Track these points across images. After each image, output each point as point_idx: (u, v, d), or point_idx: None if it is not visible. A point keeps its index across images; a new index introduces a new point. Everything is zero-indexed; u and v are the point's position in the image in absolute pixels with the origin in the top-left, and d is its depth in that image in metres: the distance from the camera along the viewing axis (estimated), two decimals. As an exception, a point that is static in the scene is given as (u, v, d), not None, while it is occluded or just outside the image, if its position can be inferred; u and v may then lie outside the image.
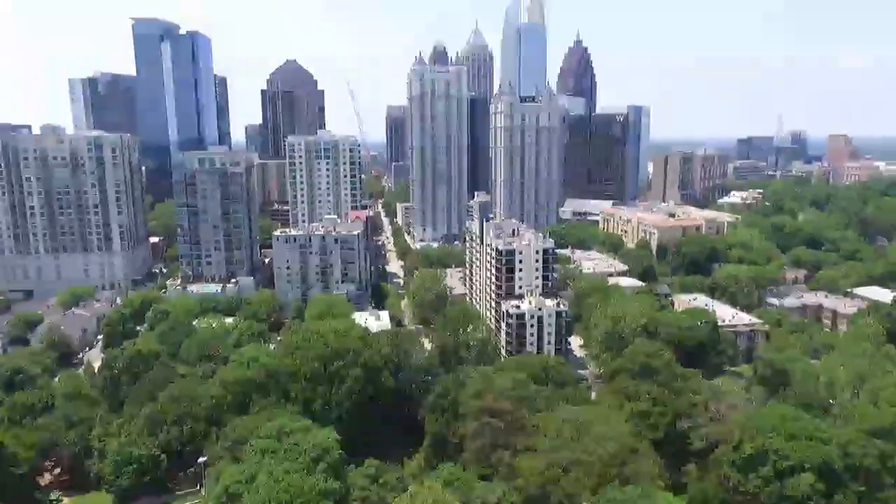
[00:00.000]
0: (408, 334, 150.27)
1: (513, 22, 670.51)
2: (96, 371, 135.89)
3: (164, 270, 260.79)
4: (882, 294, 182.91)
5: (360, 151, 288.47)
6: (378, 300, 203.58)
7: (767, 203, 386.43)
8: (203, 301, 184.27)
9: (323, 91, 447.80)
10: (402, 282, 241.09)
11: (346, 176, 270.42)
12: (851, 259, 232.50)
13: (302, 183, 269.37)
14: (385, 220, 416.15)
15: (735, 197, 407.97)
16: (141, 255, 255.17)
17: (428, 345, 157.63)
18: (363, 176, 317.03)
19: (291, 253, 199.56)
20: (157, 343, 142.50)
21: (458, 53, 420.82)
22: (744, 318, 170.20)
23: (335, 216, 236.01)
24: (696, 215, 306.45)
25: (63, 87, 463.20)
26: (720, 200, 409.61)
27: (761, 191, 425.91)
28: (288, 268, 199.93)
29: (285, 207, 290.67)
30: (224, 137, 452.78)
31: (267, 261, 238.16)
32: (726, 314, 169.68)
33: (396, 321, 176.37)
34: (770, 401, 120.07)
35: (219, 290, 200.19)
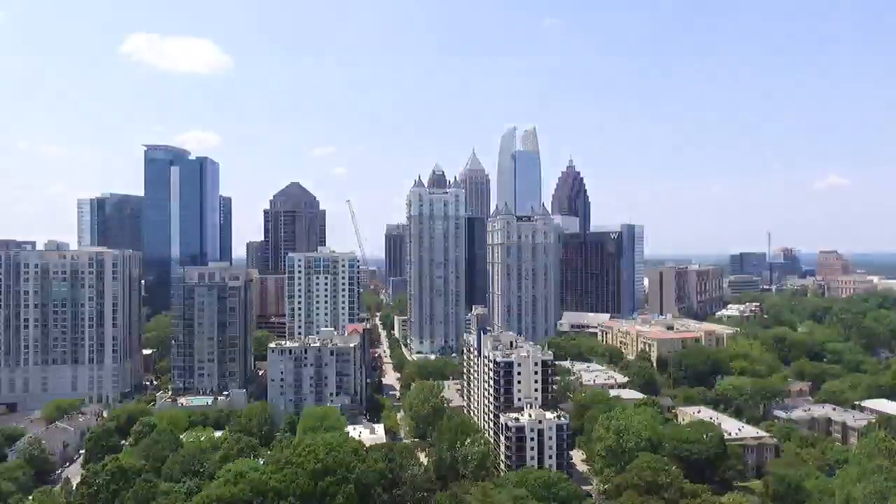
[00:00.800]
0: (403, 448, 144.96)
1: (508, 148, 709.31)
2: (74, 488, 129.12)
3: (155, 382, 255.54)
4: (891, 407, 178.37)
5: (358, 267, 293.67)
6: (373, 413, 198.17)
7: (766, 315, 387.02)
8: (192, 414, 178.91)
9: (324, 211, 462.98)
10: (398, 394, 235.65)
11: (344, 290, 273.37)
12: (855, 371, 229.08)
13: (300, 296, 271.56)
14: (382, 333, 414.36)
15: (732, 310, 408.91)
16: (132, 368, 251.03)
17: (424, 459, 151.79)
18: (361, 290, 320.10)
19: (286, 365, 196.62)
20: (140, 458, 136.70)
21: (455, 177, 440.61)
22: (751, 432, 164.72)
23: (332, 329, 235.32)
24: (695, 327, 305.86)
25: (70, 206, 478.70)
26: (718, 313, 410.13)
27: (758, 303, 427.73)
28: (282, 380, 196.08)
29: (282, 320, 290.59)
30: (226, 253, 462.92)
31: (261, 373, 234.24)
32: (732, 427, 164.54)
33: (392, 434, 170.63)
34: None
35: (209, 403, 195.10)
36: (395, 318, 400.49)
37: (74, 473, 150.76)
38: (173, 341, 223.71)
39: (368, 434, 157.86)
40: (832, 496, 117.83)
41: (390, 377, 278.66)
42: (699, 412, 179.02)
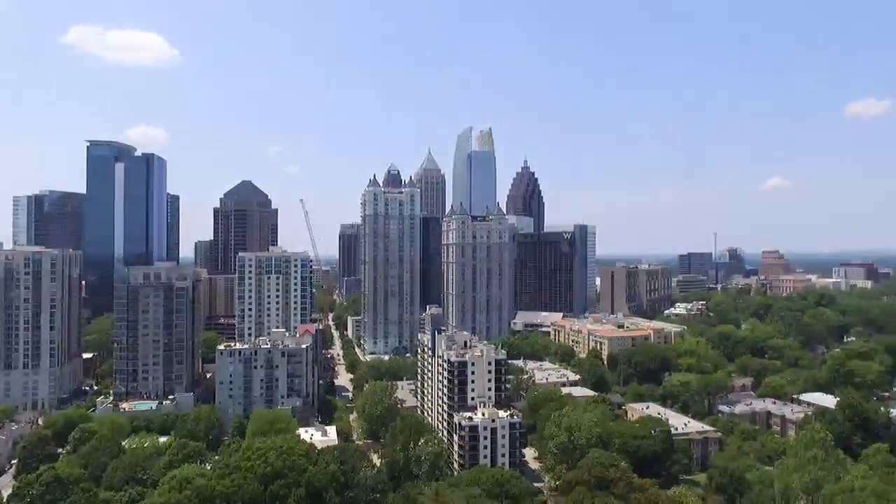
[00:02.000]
0: (356, 450, 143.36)
1: (463, 148, 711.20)
2: (6, 500, 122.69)
3: (96, 387, 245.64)
4: (826, 400, 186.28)
5: (311, 267, 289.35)
6: (325, 415, 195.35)
7: (712, 314, 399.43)
8: (136, 419, 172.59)
9: (276, 210, 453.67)
10: (351, 395, 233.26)
11: (296, 290, 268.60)
12: (794, 366, 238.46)
13: (251, 297, 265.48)
14: (335, 334, 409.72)
15: (680, 308, 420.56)
16: (70, 372, 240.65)
17: (377, 460, 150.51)
18: (314, 290, 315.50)
19: (235, 367, 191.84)
20: (78, 466, 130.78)
21: (411, 177, 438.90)
22: (697, 426, 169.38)
23: (283, 330, 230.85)
24: (645, 326, 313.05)
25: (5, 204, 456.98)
26: (666, 312, 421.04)
27: (705, 302, 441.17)
28: (231, 382, 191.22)
29: (232, 321, 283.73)
30: (173, 253, 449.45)
31: (209, 376, 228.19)
32: (679, 422, 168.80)
33: (344, 436, 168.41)
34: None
35: (154, 407, 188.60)
36: (349, 318, 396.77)
37: (5, 485, 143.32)
38: (116, 344, 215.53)
39: (320, 436, 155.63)
40: (772, 486, 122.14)
41: (343, 378, 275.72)
42: (648, 408, 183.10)
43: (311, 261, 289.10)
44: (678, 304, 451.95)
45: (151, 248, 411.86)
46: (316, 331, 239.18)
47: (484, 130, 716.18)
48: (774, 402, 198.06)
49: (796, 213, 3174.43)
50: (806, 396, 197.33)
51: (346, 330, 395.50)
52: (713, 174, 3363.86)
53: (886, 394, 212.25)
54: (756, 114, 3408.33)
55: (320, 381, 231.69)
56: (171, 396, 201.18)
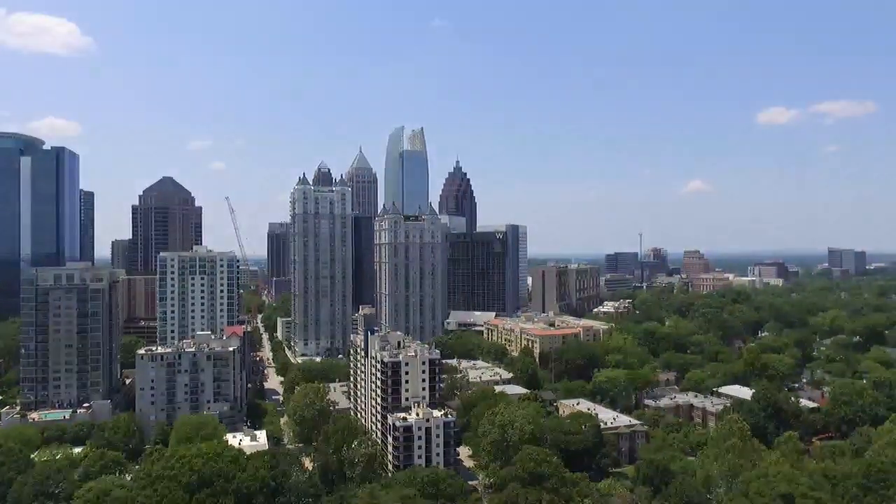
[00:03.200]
0: (287, 454, 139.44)
1: (395, 148, 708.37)
2: None
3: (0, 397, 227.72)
4: (743, 392, 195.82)
5: (238, 267, 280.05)
6: (255, 419, 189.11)
7: (638, 311, 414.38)
8: (46, 430, 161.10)
9: (201, 208, 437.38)
10: (281, 398, 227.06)
11: (222, 291, 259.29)
12: (714, 360, 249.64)
13: (173, 299, 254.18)
14: (265, 336, 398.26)
15: (608, 306, 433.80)
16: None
17: (309, 464, 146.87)
18: (241, 291, 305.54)
19: (157, 372, 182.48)
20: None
21: (342, 175, 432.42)
22: (624, 420, 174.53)
23: (209, 332, 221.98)
24: (575, 324, 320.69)
25: None
26: (595, 310, 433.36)
27: (631, 300, 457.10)
28: (152, 388, 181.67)
29: (153, 324, 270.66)
30: (87, 252, 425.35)
31: (129, 382, 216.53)
32: (608, 417, 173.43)
33: (275, 441, 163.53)
34: (654, 499, 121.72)
35: (67, 417, 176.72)
36: (279, 319, 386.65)
37: None
38: (23, 350, 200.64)
39: (249, 441, 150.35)
40: (694, 475, 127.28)
41: (273, 381, 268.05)
42: (578, 404, 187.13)
43: (237, 261, 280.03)
44: (606, 302, 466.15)
45: (63, 247, 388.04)
46: (244, 333, 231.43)
47: (416, 130, 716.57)
48: (696, 395, 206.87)
49: (715, 215, 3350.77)
50: (725, 389, 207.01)
51: (276, 332, 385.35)
52: (639, 177, 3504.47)
53: (796, 384, 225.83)
54: (678, 119, 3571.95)
55: (249, 385, 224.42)
56: (86, 404, 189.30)
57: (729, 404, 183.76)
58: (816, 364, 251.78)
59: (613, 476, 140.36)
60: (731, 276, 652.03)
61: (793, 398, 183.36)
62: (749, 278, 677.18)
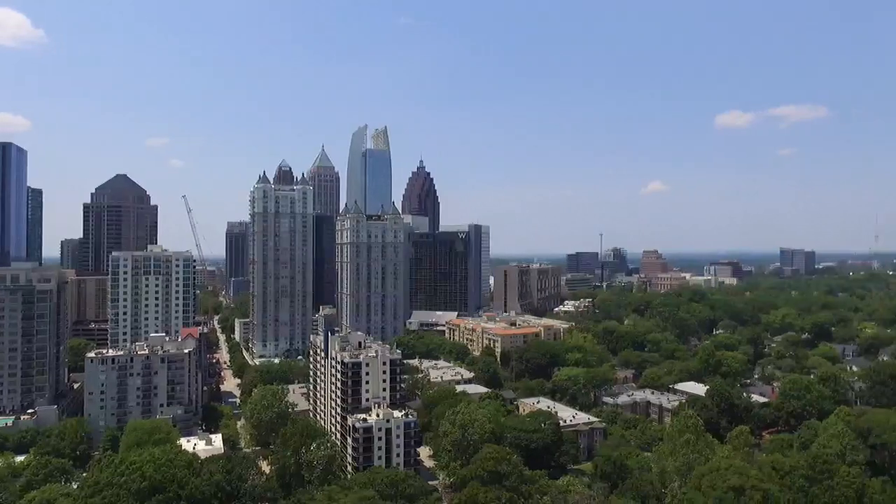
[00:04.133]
0: (243, 458, 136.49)
1: (358, 146, 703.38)
2: None
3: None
4: (698, 388, 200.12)
5: (195, 267, 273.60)
6: (211, 422, 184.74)
7: (597, 310, 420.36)
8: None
9: (156, 206, 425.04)
10: (238, 401, 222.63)
11: (178, 292, 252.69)
12: (671, 358, 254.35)
13: (125, 300, 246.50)
14: (222, 337, 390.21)
15: (569, 305, 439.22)
16: None
17: (267, 467, 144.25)
18: (198, 291, 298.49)
19: (108, 375, 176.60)
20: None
21: (304, 174, 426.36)
22: (583, 418, 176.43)
23: (163, 334, 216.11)
24: (535, 323, 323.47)
25: None
26: (556, 309, 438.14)
27: (591, 299, 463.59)
28: (102, 392, 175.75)
29: (104, 326, 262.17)
30: (35, 252, 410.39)
31: (77, 386, 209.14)
32: (567, 415, 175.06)
33: (231, 444, 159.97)
34: (612, 495, 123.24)
35: (10, 424, 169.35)
36: (237, 320, 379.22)
37: None
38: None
39: (204, 445, 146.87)
40: (650, 470, 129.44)
41: (230, 383, 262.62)
42: (538, 402, 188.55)
43: (194, 260, 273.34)
44: (567, 301, 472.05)
45: (8, 247, 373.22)
46: (200, 334, 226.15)
47: (379, 129, 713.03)
48: (653, 392, 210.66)
49: (674, 216, 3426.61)
50: (680, 386, 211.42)
51: (234, 333, 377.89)
52: (600, 178, 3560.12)
53: (748, 380, 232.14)
54: (639, 121, 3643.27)
55: (205, 388, 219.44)
56: (30, 410, 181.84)
57: (684, 400, 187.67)
58: (767, 360, 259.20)
59: (572, 473, 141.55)
60: (687, 276, 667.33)
61: (745, 394, 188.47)
62: (705, 278, 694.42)
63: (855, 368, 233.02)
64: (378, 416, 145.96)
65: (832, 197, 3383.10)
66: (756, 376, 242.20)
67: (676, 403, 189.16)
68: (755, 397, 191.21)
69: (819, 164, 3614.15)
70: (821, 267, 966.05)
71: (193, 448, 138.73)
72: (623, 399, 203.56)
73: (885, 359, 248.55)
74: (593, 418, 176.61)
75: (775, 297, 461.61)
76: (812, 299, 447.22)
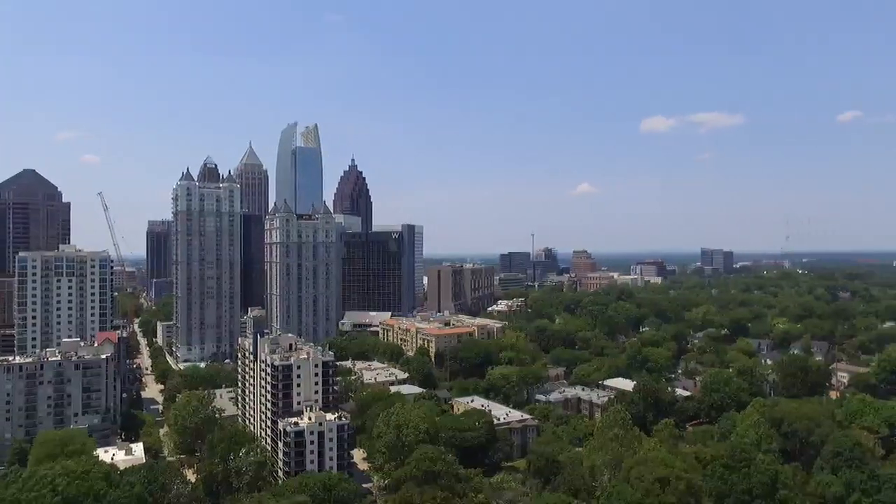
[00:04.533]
0: (166, 467, 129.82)
1: (288, 144, 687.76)
2: None
3: None
4: (626, 384, 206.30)
5: (112, 268, 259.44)
6: (131, 431, 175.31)
7: (530, 309, 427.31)
8: None
9: (69, 204, 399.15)
10: (161, 408, 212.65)
11: (93, 294, 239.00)
12: (600, 355, 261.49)
13: (34, 303, 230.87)
14: (143, 341, 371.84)
15: (502, 305, 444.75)
16: None
17: (192, 476, 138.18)
18: (116, 294, 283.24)
19: (15, 384, 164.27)
20: None
21: (230, 171, 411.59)
22: (517, 415, 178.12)
23: (77, 339, 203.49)
24: (469, 322, 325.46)
25: None
26: (489, 308, 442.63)
27: (524, 299, 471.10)
28: (8, 403, 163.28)
29: (10, 332, 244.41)
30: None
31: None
32: (501, 413, 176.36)
33: (154, 453, 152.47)
34: (544, 490, 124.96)
35: None
36: (159, 323, 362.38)
37: None
38: None
39: (124, 455, 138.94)
40: (581, 465, 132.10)
41: (152, 390, 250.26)
42: (473, 401, 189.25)
43: (111, 261, 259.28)
44: (500, 301, 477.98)
45: None
46: (119, 339, 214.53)
47: (309, 127, 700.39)
48: (584, 389, 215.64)
49: (602, 217, 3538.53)
50: (609, 382, 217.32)
51: (156, 337, 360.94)
52: (532, 179, 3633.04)
53: (673, 375, 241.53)
54: (568, 123, 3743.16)
55: (124, 395, 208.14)
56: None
57: (613, 396, 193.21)
58: (690, 356, 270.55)
59: (506, 470, 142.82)
60: (615, 275, 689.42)
61: (669, 388, 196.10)
62: (632, 277, 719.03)
63: (769, 362, 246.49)
64: (310, 419, 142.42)
65: (747, 200, 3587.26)
66: (680, 371, 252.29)
67: (606, 399, 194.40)
68: (679, 391, 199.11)
69: (735, 169, 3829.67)
70: (738, 266, 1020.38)
71: (112, 458, 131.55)
72: (555, 396, 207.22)
73: (795, 352, 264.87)
74: (526, 416, 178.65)
75: (697, 296, 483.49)
76: (730, 297, 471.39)
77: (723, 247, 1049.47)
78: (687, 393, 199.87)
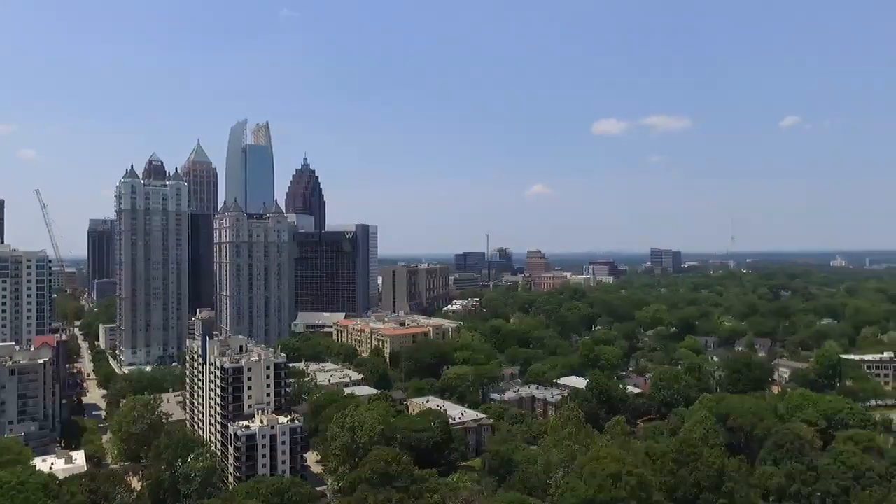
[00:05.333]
0: (109, 475, 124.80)
1: (238, 142, 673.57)
2: None
3: None
4: (579, 382, 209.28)
5: (50, 268, 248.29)
6: (71, 439, 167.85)
7: (485, 309, 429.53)
8: None
9: (2, 201, 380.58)
10: (104, 414, 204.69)
11: (30, 296, 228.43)
12: (554, 354, 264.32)
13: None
14: (84, 345, 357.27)
15: (457, 305, 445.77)
16: None
17: (137, 484, 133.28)
18: (54, 295, 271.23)
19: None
20: None
21: (177, 169, 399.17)
22: (472, 415, 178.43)
23: (12, 343, 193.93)
24: (424, 323, 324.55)
25: None
26: (444, 308, 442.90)
27: (479, 298, 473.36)
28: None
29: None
30: None
31: None
32: (456, 412, 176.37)
33: (96, 461, 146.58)
34: (499, 489, 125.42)
35: None
36: (102, 326, 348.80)
37: None
38: None
39: (63, 464, 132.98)
40: (536, 463, 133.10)
41: (95, 395, 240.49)
42: (428, 402, 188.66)
43: (50, 261, 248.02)
44: (455, 301, 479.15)
45: None
46: (58, 342, 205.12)
47: (260, 124, 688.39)
48: (538, 388, 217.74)
49: (556, 217, 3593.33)
50: (563, 380, 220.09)
51: (98, 340, 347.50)
52: (487, 179, 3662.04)
53: (624, 373, 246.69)
54: (523, 123, 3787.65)
55: (63, 401, 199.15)
56: None
57: (566, 394, 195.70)
58: (641, 354, 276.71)
59: (462, 469, 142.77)
60: (568, 275, 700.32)
61: (621, 386, 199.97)
62: (584, 277, 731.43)
63: (715, 359, 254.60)
64: (262, 422, 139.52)
65: (695, 201, 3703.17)
66: (631, 369, 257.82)
67: (559, 397, 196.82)
68: (630, 388, 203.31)
69: (684, 171, 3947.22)
70: (686, 266, 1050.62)
71: (50, 468, 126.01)
72: (510, 395, 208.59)
73: (740, 349, 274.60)
74: (481, 415, 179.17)
75: (647, 295, 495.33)
76: (679, 296, 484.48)
77: (672, 247, 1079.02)
78: (638, 390, 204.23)
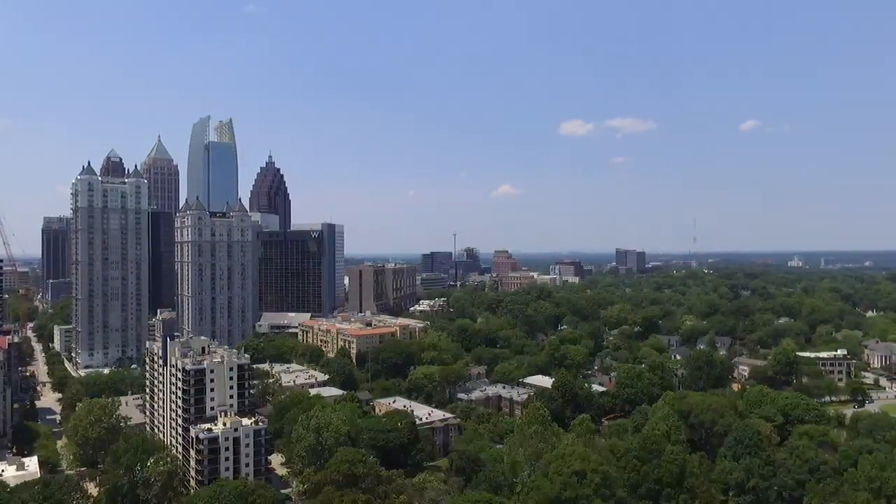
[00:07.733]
0: (64, 481, 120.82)
1: (200, 139, 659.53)
2: None
3: None
4: (545, 381, 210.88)
5: (2, 268, 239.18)
6: (24, 444, 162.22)
7: (452, 309, 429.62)
8: None
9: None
10: (58, 418, 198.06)
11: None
12: (521, 353, 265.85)
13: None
14: (37, 347, 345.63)
15: (424, 305, 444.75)
16: None
17: (94, 490, 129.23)
18: (6, 296, 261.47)
19: None
20: None
21: (137, 166, 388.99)
22: (438, 415, 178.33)
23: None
24: (391, 323, 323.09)
25: None
26: (411, 308, 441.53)
27: (445, 298, 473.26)
28: None
29: None
30: None
31: None
32: (423, 413, 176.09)
33: (50, 467, 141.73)
34: (466, 488, 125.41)
35: None
36: (56, 327, 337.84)
37: None
38: None
39: (15, 471, 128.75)
40: (502, 461, 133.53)
41: (49, 399, 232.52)
42: (395, 402, 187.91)
43: (1, 260, 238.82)
44: (422, 301, 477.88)
45: None
46: (9, 344, 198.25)
47: (224, 121, 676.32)
48: (504, 387, 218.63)
49: (522, 217, 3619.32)
50: (529, 379, 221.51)
51: (53, 342, 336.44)
52: (455, 179, 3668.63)
53: (589, 371, 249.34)
54: (491, 124, 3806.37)
55: (15, 405, 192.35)
56: None
57: (533, 393, 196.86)
58: (605, 352, 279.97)
59: (429, 469, 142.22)
60: (535, 275, 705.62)
61: (586, 384, 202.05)
62: (551, 276, 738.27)
63: (678, 357, 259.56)
64: (225, 425, 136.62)
65: (658, 203, 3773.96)
66: (596, 367, 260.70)
67: (526, 396, 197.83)
68: (595, 387, 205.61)
69: (648, 173, 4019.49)
70: (650, 266, 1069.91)
71: (1, 475, 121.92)
72: (476, 394, 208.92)
73: (701, 347, 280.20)
74: (448, 415, 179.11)
75: (612, 294, 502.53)
76: (643, 296, 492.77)
77: (636, 247, 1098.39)
78: (603, 388, 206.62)
